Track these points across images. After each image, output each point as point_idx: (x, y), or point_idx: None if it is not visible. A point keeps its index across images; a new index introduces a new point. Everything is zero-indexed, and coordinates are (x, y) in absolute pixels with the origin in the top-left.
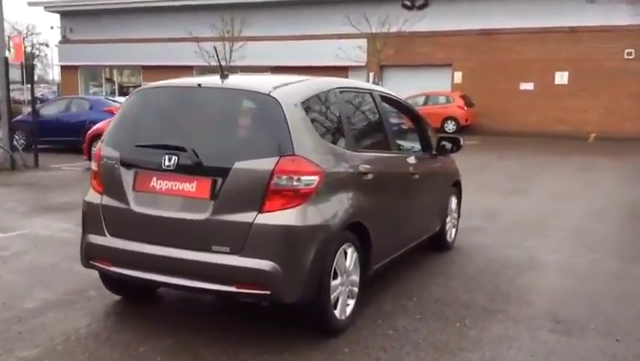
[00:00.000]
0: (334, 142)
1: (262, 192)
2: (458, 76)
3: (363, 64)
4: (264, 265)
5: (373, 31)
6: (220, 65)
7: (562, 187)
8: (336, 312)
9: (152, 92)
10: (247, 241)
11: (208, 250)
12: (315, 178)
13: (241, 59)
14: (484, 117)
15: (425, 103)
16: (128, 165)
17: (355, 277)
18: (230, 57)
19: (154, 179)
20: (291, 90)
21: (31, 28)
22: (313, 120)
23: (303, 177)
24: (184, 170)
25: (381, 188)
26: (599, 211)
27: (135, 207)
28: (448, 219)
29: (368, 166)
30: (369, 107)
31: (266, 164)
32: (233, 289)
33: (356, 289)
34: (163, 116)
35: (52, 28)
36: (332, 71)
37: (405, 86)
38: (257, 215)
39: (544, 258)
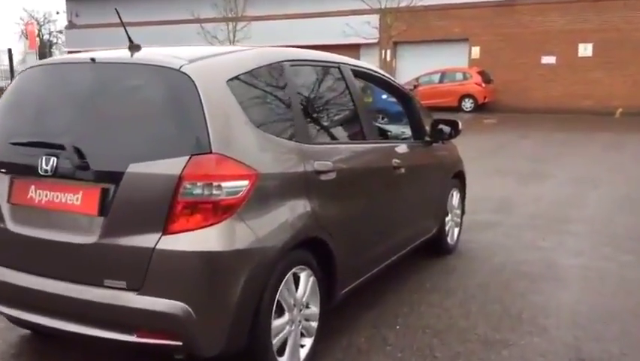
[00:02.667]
0: (279, 134)
1: (167, 206)
2: (475, 51)
3: (376, 41)
4: (171, 306)
5: (383, 5)
6: (127, 33)
7: (586, 170)
8: (283, 360)
9: (39, 71)
10: (148, 273)
11: (99, 284)
12: (244, 184)
13: (246, 40)
14: (504, 94)
15: (441, 80)
16: (1, 169)
17: (314, 309)
18: (234, 37)
19: (32, 188)
20: (213, 64)
21: (47, 16)
22: (246, 105)
23: (226, 183)
24: (66, 175)
25: (347, 190)
26: (628, 199)
27: (11, 226)
28: (447, 218)
29: (328, 163)
30: (335, 86)
31: (171, 166)
32: (133, 338)
33: (314, 325)
34: (47, 104)
35: (57, 13)
36: (343, 49)
37: (420, 62)
38: (160, 237)
39: (565, 263)
